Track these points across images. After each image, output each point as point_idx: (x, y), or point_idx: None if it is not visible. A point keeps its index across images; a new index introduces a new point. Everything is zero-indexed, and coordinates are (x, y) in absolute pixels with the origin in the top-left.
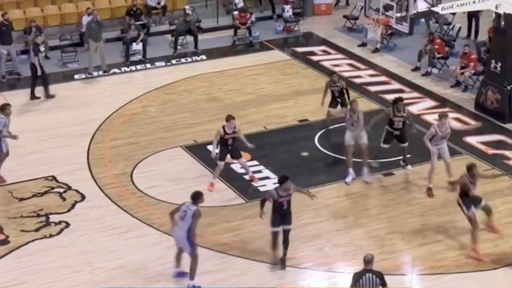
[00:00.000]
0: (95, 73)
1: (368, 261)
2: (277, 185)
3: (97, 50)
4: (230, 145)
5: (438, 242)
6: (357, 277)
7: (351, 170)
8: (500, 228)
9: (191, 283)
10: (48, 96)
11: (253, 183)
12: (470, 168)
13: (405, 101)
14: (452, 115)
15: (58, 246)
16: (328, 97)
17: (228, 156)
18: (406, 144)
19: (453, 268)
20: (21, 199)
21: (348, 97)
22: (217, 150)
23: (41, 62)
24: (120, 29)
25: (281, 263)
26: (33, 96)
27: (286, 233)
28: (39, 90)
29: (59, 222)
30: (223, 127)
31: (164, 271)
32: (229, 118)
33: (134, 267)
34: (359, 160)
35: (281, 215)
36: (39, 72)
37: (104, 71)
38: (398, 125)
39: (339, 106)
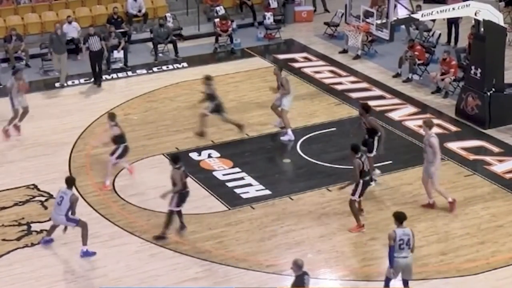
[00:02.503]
0: (76, 81)
1: (302, 265)
2: None
3: (59, 63)
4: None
5: (419, 248)
6: (301, 280)
7: (290, 131)
8: None
9: (84, 248)
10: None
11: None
12: None
13: (386, 108)
14: (433, 121)
15: (39, 255)
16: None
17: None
18: (371, 154)
19: (434, 274)
20: (2, 208)
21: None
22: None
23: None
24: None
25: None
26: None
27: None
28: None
29: (41, 231)
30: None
31: (147, 279)
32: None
33: (116, 276)
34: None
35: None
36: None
37: (62, 85)
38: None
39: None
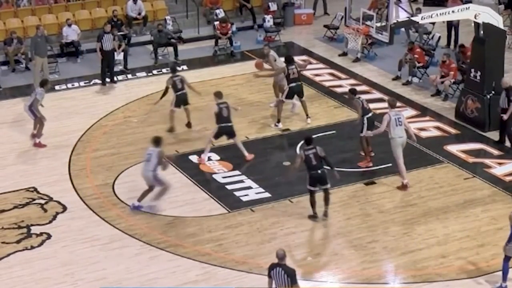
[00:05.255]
0: (76, 84)
1: (280, 257)
2: None
3: (43, 67)
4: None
5: (419, 251)
6: (270, 268)
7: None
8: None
9: (136, 203)
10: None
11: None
12: None
13: (386, 110)
14: (432, 123)
15: (39, 257)
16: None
17: None
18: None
19: (434, 277)
20: (2, 211)
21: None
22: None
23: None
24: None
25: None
26: (104, 83)
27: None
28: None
29: (41, 234)
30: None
31: (146, 282)
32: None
33: (116, 278)
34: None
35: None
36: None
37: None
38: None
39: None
